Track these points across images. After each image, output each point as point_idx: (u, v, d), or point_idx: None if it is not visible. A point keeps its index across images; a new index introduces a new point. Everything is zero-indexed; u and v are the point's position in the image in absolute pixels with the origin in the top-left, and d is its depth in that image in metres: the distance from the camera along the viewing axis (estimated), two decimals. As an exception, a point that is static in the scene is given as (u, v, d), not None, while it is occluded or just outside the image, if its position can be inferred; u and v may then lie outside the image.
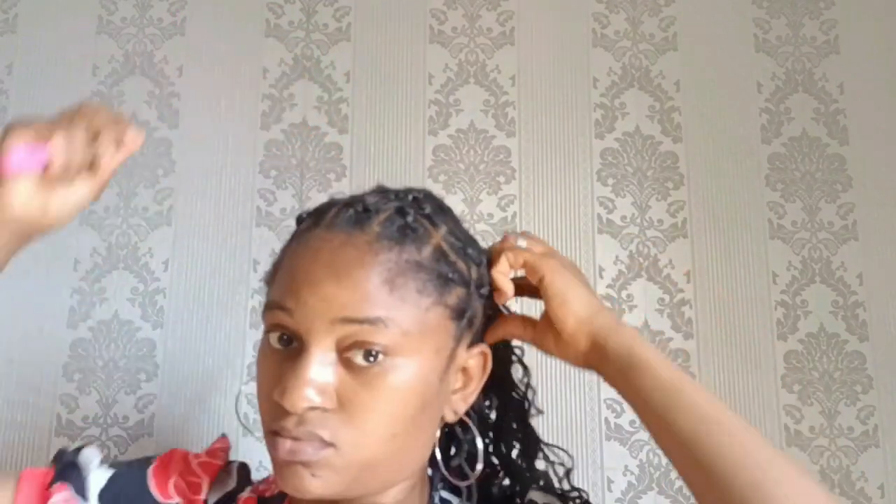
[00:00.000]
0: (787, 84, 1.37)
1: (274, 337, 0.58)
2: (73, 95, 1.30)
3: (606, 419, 1.22)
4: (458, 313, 0.60)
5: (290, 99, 1.32)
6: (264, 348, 0.59)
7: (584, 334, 0.62)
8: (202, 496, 0.65)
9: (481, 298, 0.63)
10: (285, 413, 0.54)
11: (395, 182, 0.70)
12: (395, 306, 0.56)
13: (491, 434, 0.72)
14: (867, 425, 1.23)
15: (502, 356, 0.71)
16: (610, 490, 1.20)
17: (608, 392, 1.23)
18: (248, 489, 0.67)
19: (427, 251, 0.59)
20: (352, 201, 0.61)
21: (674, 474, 1.20)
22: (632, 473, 1.20)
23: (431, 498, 0.66)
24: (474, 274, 0.62)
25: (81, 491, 0.64)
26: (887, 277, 1.29)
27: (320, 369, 0.54)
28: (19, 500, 0.62)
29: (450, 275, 0.59)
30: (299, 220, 0.64)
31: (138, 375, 1.20)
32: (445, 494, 0.67)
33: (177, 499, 0.65)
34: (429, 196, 0.65)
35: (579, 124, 1.33)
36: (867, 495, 1.21)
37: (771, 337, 1.26)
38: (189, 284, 1.23)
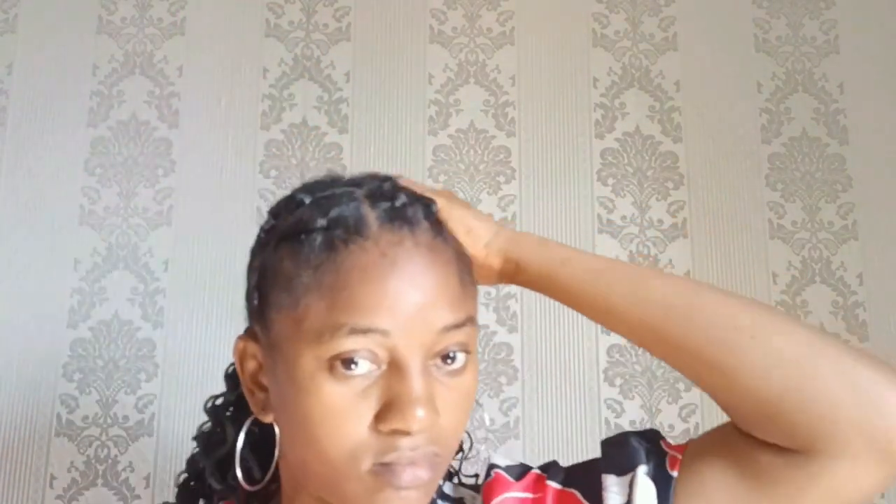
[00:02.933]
0: (787, 84, 1.37)
1: (342, 368, 0.50)
2: (73, 95, 1.30)
3: (606, 419, 1.22)
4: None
5: (290, 99, 1.32)
6: (323, 384, 0.51)
7: (496, 253, 0.62)
8: None
9: None
10: (396, 441, 0.50)
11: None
12: (470, 302, 0.55)
13: None
14: (867, 425, 1.23)
15: None
16: (610, 490, 1.20)
17: (608, 392, 1.23)
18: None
19: (449, 235, 0.57)
20: (372, 196, 0.55)
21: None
22: (632, 473, 1.20)
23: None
24: None
25: None
26: (887, 277, 1.29)
27: (426, 382, 0.51)
28: None
29: (464, 251, 0.58)
30: (303, 229, 0.54)
31: (138, 375, 1.20)
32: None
33: None
34: (392, 179, 0.61)
35: (579, 124, 1.33)
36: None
37: (771, 337, 1.26)
38: (189, 284, 1.23)
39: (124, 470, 1.17)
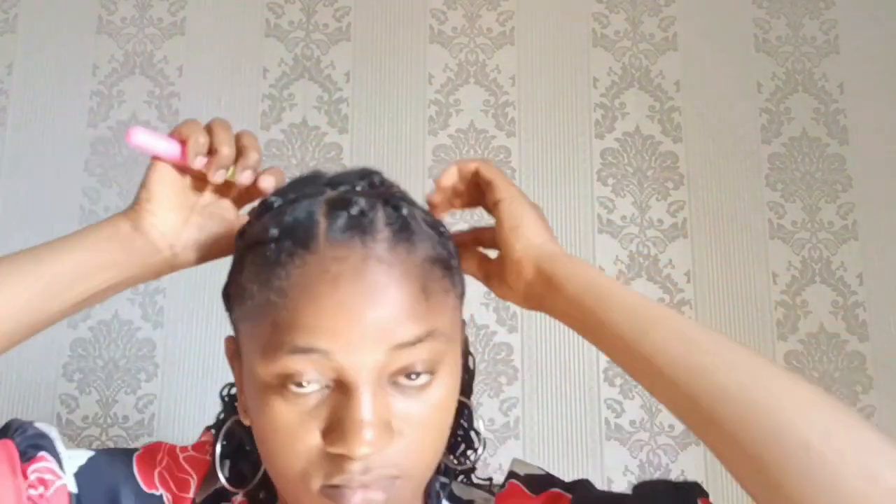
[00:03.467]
0: (787, 84, 1.37)
1: (292, 385, 0.48)
2: (74, 95, 1.30)
3: (606, 419, 1.22)
4: (462, 293, 0.55)
5: (290, 99, 1.32)
6: (273, 401, 0.49)
7: (531, 260, 0.56)
8: (190, 494, 0.60)
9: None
10: (343, 464, 0.47)
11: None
12: (435, 314, 0.50)
13: None
14: (867, 425, 1.23)
15: None
16: (610, 490, 1.20)
17: (608, 392, 1.23)
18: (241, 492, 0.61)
19: (431, 241, 0.52)
20: (332, 203, 0.51)
21: (673, 475, 1.20)
22: (632, 473, 1.20)
23: (430, 487, 0.61)
24: (451, 244, 0.56)
25: (60, 463, 0.59)
26: (887, 277, 1.29)
27: (377, 403, 0.47)
28: None
29: (452, 260, 0.54)
30: (258, 239, 0.51)
31: (138, 375, 1.20)
32: (443, 479, 0.63)
33: (161, 491, 0.61)
34: (379, 174, 0.57)
35: (579, 124, 1.33)
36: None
37: (771, 337, 1.26)
38: (189, 284, 1.23)
39: (124, 470, 1.17)
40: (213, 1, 1.36)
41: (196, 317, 1.22)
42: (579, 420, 1.22)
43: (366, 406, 0.47)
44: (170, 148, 0.55)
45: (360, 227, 0.49)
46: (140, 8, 1.35)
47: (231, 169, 0.57)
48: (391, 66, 1.35)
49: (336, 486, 0.48)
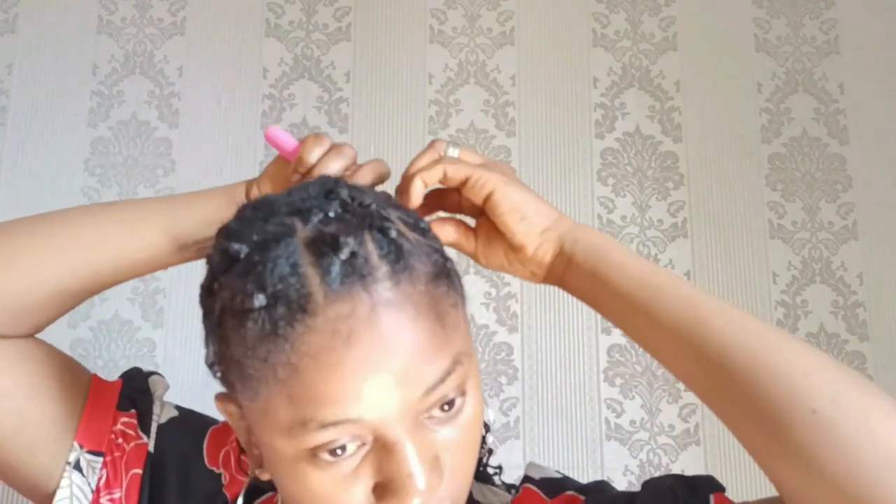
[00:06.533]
0: (787, 84, 1.37)
1: (325, 455, 0.44)
2: (73, 95, 1.30)
3: (606, 419, 1.22)
4: (462, 288, 0.52)
5: (290, 99, 1.32)
6: (306, 471, 0.45)
7: (550, 244, 0.54)
8: (248, 478, 0.59)
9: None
10: None
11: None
12: (454, 337, 0.46)
13: None
14: (867, 425, 1.23)
15: None
16: (610, 490, 1.20)
17: (608, 392, 1.23)
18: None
19: (421, 254, 0.48)
20: (313, 246, 0.45)
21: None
22: (632, 473, 1.20)
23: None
24: (432, 234, 0.52)
25: (146, 426, 0.61)
26: (887, 277, 1.29)
27: (420, 449, 0.45)
28: (88, 410, 0.59)
29: (447, 263, 0.50)
30: (240, 307, 0.46)
31: (138, 375, 1.20)
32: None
33: (221, 470, 0.61)
34: (342, 183, 0.51)
35: (579, 124, 1.33)
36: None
37: (771, 337, 1.26)
38: (189, 284, 1.23)
39: (124, 470, 1.17)
40: (213, 1, 1.36)
41: (196, 317, 1.21)
42: (579, 420, 1.22)
43: (412, 458, 0.44)
44: (291, 144, 0.61)
45: (356, 271, 0.44)
46: (140, 8, 1.35)
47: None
48: (391, 66, 1.35)
49: None
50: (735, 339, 0.47)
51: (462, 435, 0.47)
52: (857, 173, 1.33)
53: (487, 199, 0.54)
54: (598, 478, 1.19)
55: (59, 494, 0.57)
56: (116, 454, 0.59)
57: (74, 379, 0.61)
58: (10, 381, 0.57)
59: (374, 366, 0.43)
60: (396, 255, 0.46)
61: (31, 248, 0.57)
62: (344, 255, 0.44)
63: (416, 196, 0.55)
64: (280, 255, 0.45)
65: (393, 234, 0.46)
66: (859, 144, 1.34)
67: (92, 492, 0.58)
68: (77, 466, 0.58)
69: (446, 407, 0.46)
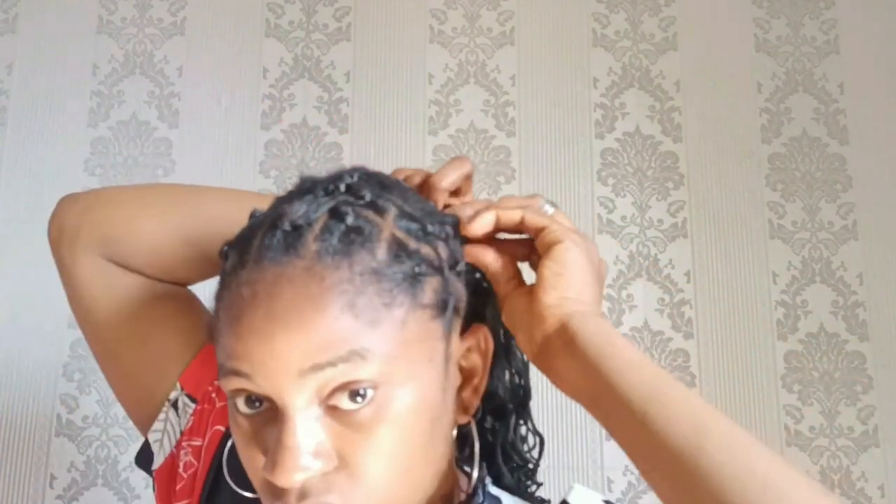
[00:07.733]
0: (787, 84, 1.37)
1: (240, 402, 0.48)
2: (73, 95, 1.30)
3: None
4: (440, 308, 0.50)
5: (290, 99, 1.32)
6: (234, 415, 0.49)
7: (558, 311, 0.52)
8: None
9: (460, 276, 0.53)
10: (279, 490, 0.46)
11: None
12: (366, 332, 0.46)
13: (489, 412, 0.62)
14: (867, 425, 1.23)
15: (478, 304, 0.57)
16: (610, 490, 1.20)
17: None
18: None
19: (381, 250, 0.48)
20: (276, 217, 0.49)
21: (674, 474, 1.20)
22: (632, 473, 1.20)
23: (474, 496, 0.56)
24: (443, 252, 0.51)
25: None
26: (887, 277, 1.29)
27: (307, 429, 0.46)
28: (199, 358, 0.64)
29: (416, 268, 0.49)
30: (223, 254, 0.52)
31: (138, 375, 1.20)
32: (495, 491, 0.59)
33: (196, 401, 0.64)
34: (365, 175, 0.54)
35: (579, 124, 1.33)
36: (867, 495, 1.21)
37: (771, 337, 1.26)
38: (189, 284, 1.23)
39: (124, 470, 1.17)
40: (213, 1, 1.36)
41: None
42: (580, 420, 1.22)
43: (294, 432, 0.45)
44: None
45: (288, 244, 0.47)
46: (140, 8, 1.35)
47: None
48: (391, 66, 1.35)
49: None
50: (735, 486, 0.44)
51: (374, 438, 0.47)
52: (857, 173, 1.33)
53: (550, 247, 0.53)
54: (599, 478, 1.19)
55: (155, 426, 0.64)
56: (206, 406, 0.63)
57: (198, 329, 0.66)
58: (153, 300, 0.66)
59: (263, 332, 0.46)
60: (337, 240, 0.48)
61: (168, 201, 0.66)
62: (286, 227, 0.48)
63: (481, 228, 0.54)
64: (266, 218, 0.50)
65: (349, 220, 0.48)
66: (859, 144, 1.34)
67: (181, 433, 0.63)
68: (174, 405, 0.63)
69: (359, 399, 0.46)
